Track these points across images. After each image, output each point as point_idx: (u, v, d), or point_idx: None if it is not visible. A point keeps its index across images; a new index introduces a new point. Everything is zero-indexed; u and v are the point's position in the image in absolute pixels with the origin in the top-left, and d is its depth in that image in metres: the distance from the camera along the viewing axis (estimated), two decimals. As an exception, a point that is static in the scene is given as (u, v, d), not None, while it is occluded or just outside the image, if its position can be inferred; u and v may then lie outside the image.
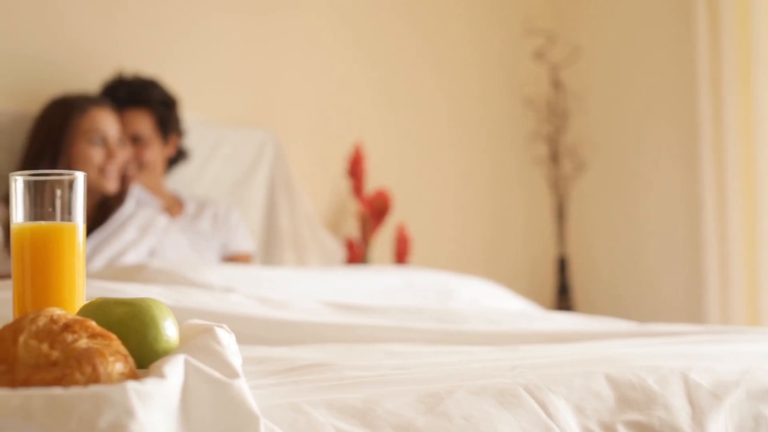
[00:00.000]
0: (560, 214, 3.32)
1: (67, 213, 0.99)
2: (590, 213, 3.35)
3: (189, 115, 2.71)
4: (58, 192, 1.00)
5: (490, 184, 3.37)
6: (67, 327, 0.80)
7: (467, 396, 0.96)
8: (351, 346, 1.33)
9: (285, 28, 2.99)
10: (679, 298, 3.07)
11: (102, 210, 2.46)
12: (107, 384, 0.75)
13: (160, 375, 0.73)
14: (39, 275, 0.97)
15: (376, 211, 2.88)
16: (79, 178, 1.00)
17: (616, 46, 3.30)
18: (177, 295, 1.56)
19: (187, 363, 0.77)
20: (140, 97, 2.51)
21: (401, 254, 2.93)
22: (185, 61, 2.81)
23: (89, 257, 2.34)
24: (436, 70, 3.28)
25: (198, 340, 0.83)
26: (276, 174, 2.87)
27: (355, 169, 2.88)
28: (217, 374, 0.77)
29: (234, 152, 2.84)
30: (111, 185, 2.39)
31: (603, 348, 1.31)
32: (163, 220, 2.49)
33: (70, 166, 2.36)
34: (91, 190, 2.41)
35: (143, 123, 2.51)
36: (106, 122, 2.37)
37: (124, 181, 2.47)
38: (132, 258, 2.36)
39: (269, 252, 2.84)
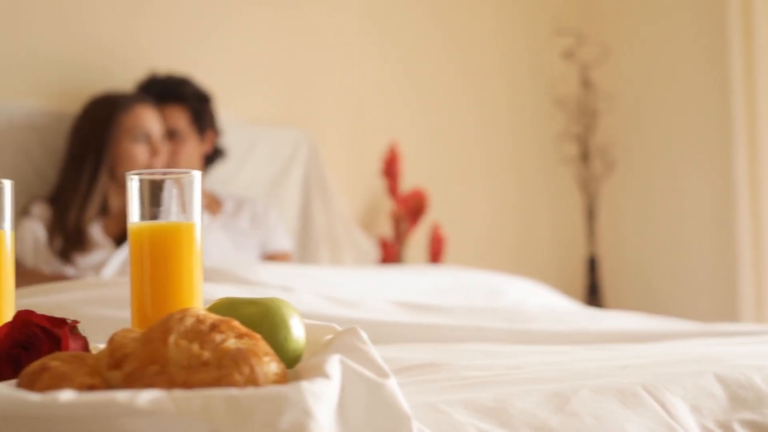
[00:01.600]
0: (590, 213, 3.32)
1: (185, 211, 0.98)
2: (620, 212, 3.35)
3: (224, 114, 2.70)
4: (174, 191, 0.99)
5: (520, 184, 3.36)
6: (215, 327, 0.80)
7: (591, 395, 0.95)
8: (442, 346, 1.33)
9: (319, 27, 2.99)
10: (712, 298, 3.07)
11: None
12: (264, 385, 0.75)
13: (325, 375, 0.72)
14: (158, 275, 0.97)
15: (411, 210, 2.87)
16: (196, 176, 0.99)
17: (646, 45, 3.30)
18: (247, 295, 1.55)
19: (342, 363, 0.76)
20: (174, 93, 2.50)
21: (436, 254, 2.92)
22: (220, 61, 2.80)
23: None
24: (468, 71, 3.28)
25: (343, 340, 0.82)
26: (310, 173, 2.87)
27: (391, 169, 2.87)
28: (370, 374, 0.77)
29: (269, 151, 2.84)
30: None
31: (699, 347, 1.30)
32: (204, 218, 2.48)
33: (115, 164, 2.35)
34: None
35: (179, 118, 2.50)
36: (150, 119, 2.37)
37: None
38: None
39: (304, 251, 2.84)
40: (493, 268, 2.98)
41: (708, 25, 3.10)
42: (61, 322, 0.93)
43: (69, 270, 2.27)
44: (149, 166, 2.37)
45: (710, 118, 3.10)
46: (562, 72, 3.35)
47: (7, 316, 1.03)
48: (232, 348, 0.78)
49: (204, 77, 2.64)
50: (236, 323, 0.81)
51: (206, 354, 0.78)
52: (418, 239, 3.06)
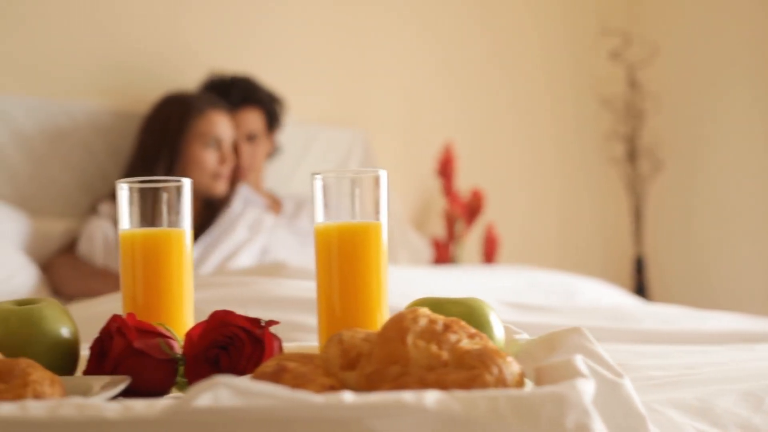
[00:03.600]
0: (637, 213, 3.33)
1: (372, 211, 0.98)
2: (668, 213, 3.36)
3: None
4: (357, 191, 0.99)
5: (566, 184, 3.37)
6: (448, 327, 0.79)
7: (780, 395, 0.95)
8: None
9: (373, 28, 2.99)
10: (762, 299, 3.08)
11: (209, 210, 2.44)
12: (512, 385, 0.75)
13: (583, 375, 0.72)
14: (347, 276, 0.96)
15: (468, 210, 2.87)
16: (382, 176, 0.99)
17: (694, 45, 3.31)
18: None
19: (586, 363, 0.76)
20: (251, 97, 2.49)
21: (489, 254, 2.92)
22: (275, 61, 2.80)
23: (202, 257, 2.32)
24: (517, 72, 3.29)
25: (572, 340, 0.82)
26: (365, 173, 2.86)
27: (446, 169, 2.87)
28: (608, 374, 0.77)
29: (324, 151, 2.84)
30: (221, 189, 2.37)
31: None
32: (270, 218, 2.48)
33: (185, 168, 2.33)
34: (200, 192, 2.39)
35: (256, 121, 2.51)
36: (222, 125, 2.35)
37: (235, 180, 2.45)
38: (245, 258, 2.34)
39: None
40: (539, 267, 2.99)
41: (757, 24, 3.11)
42: (256, 322, 0.92)
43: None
44: (216, 174, 2.35)
45: (759, 117, 3.11)
46: (610, 72, 3.36)
47: (189, 314, 1.02)
48: (472, 348, 0.77)
49: (259, 77, 2.64)
50: (464, 323, 0.81)
51: (445, 354, 0.77)
52: (468, 239, 3.06)
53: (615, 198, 3.42)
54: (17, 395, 0.78)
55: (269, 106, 2.52)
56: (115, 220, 2.30)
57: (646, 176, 3.34)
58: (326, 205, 0.98)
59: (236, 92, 2.47)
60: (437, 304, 0.91)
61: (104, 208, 2.32)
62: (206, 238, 2.36)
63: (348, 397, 0.66)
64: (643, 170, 3.34)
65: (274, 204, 2.61)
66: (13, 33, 2.39)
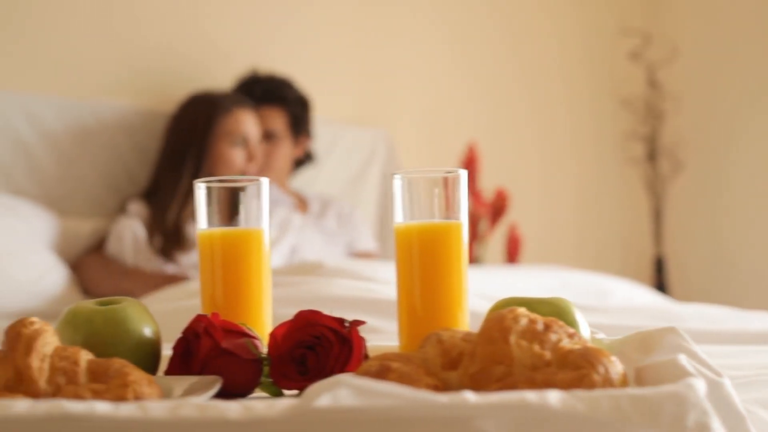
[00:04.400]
0: (657, 214, 3.33)
1: (452, 211, 0.98)
2: (688, 213, 3.37)
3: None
4: (436, 190, 0.99)
5: (585, 184, 3.38)
6: (548, 327, 0.79)
7: None
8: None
9: (397, 28, 2.99)
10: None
11: (237, 209, 2.43)
12: (618, 385, 0.75)
13: (693, 375, 0.73)
14: (428, 276, 0.96)
15: (492, 210, 2.87)
16: (462, 175, 0.99)
17: (714, 45, 3.31)
18: (380, 290, 1.55)
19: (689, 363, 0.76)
20: (276, 95, 2.49)
21: (512, 254, 2.92)
22: (300, 60, 2.80)
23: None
24: (537, 72, 3.29)
25: (669, 340, 0.83)
26: (388, 172, 2.87)
27: (470, 169, 2.87)
28: (709, 373, 0.77)
29: (348, 150, 2.84)
30: None
31: None
32: (298, 218, 2.48)
33: (212, 167, 2.33)
34: (227, 191, 2.39)
35: (276, 121, 2.50)
36: (249, 124, 2.35)
37: (258, 179, 2.45)
38: (275, 257, 2.34)
39: (383, 249, 2.83)
40: (559, 266, 2.99)
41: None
42: (341, 321, 0.92)
43: (169, 268, 2.25)
44: (244, 172, 2.35)
45: (779, 118, 3.12)
46: (629, 72, 3.36)
47: (268, 314, 1.02)
48: (574, 348, 0.78)
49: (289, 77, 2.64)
50: (562, 323, 0.81)
51: (547, 354, 0.77)
52: (490, 239, 3.06)
53: (635, 198, 3.42)
54: (118, 396, 0.78)
55: (292, 107, 2.51)
56: (144, 220, 2.30)
57: (666, 176, 3.34)
58: (405, 205, 0.98)
59: (259, 90, 2.47)
60: (525, 304, 0.91)
61: (133, 207, 2.31)
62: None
63: (471, 396, 0.66)
64: (663, 170, 3.35)
65: (301, 203, 2.61)
66: (40, 33, 2.39)
